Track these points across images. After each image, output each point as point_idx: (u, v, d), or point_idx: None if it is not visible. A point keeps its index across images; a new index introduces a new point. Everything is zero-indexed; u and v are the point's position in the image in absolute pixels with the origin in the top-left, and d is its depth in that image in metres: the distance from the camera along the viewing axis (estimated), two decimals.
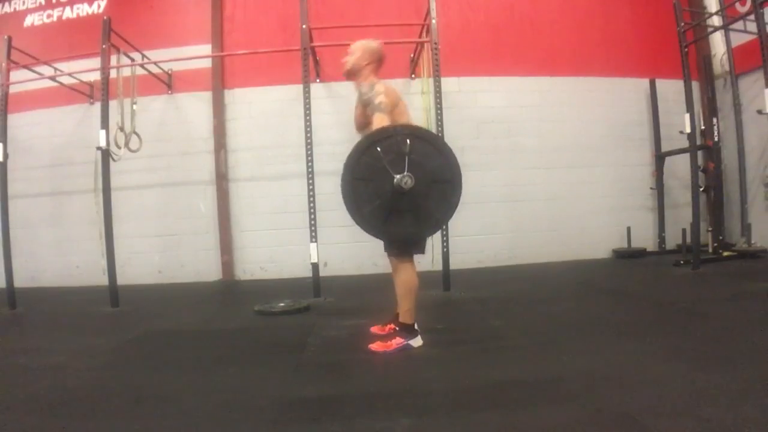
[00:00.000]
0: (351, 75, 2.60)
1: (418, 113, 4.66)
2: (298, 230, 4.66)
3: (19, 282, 4.22)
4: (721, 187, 5.33)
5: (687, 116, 4.40)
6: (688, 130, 4.41)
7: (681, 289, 3.65)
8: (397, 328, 2.49)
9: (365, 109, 2.46)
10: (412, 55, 5.18)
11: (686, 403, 1.59)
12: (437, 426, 1.56)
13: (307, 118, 3.91)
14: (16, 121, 4.81)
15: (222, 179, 5.27)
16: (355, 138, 5.32)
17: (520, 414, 1.61)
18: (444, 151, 1.62)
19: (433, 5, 3.96)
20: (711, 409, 1.52)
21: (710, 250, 4.97)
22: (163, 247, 5.31)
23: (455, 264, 4.12)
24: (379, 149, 1.57)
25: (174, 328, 3.19)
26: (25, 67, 4.57)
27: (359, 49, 2.57)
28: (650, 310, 3.04)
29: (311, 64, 4.50)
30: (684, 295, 3.40)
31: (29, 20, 5.56)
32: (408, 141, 1.57)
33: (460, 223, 4.62)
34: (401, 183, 1.52)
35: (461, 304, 3.54)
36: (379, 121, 2.25)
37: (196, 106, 5.33)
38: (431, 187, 1.59)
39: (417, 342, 2.40)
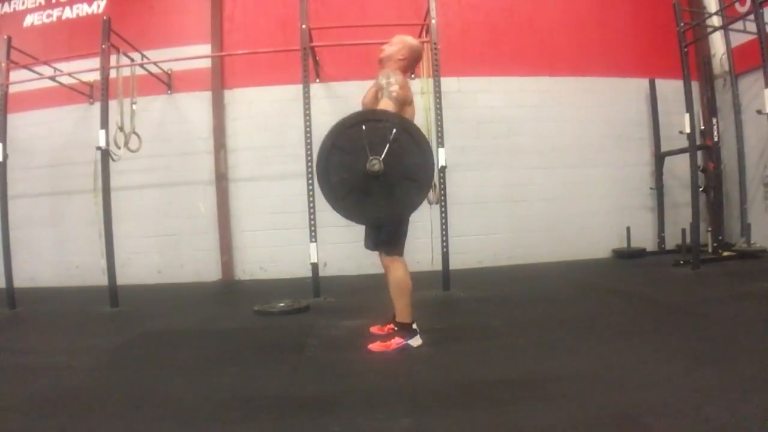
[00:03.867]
0: (382, 63, 2.57)
1: (417, 113, 4.65)
2: (297, 230, 4.65)
3: (18, 282, 4.22)
4: (721, 187, 5.33)
5: (687, 116, 4.40)
6: (687, 130, 4.41)
7: (681, 289, 3.65)
8: (396, 328, 2.49)
9: (377, 93, 2.39)
10: None
11: (686, 403, 1.59)
12: (437, 426, 1.57)
13: (307, 118, 3.91)
14: (15, 121, 4.79)
15: (222, 179, 5.26)
16: None
17: (520, 414, 1.62)
18: (425, 152, 1.63)
19: (432, 5, 3.96)
20: (711, 409, 1.52)
21: (710, 250, 4.97)
22: (163, 247, 5.31)
23: (455, 264, 4.11)
24: (364, 128, 1.58)
25: (174, 328, 3.19)
26: (25, 67, 4.57)
27: (399, 42, 2.56)
28: (650, 310, 3.04)
29: (311, 64, 4.49)
30: (684, 295, 3.40)
31: (29, 20, 5.55)
32: (394, 131, 1.57)
33: (460, 223, 4.61)
34: (369, 165, 1.53)
35: (461, 304, 3.54)
36: (385, 106, 2.19)
37: (196, 106, 5.32)
38: (400, 182, 1.60)
39: (416, 342, 2.40)
